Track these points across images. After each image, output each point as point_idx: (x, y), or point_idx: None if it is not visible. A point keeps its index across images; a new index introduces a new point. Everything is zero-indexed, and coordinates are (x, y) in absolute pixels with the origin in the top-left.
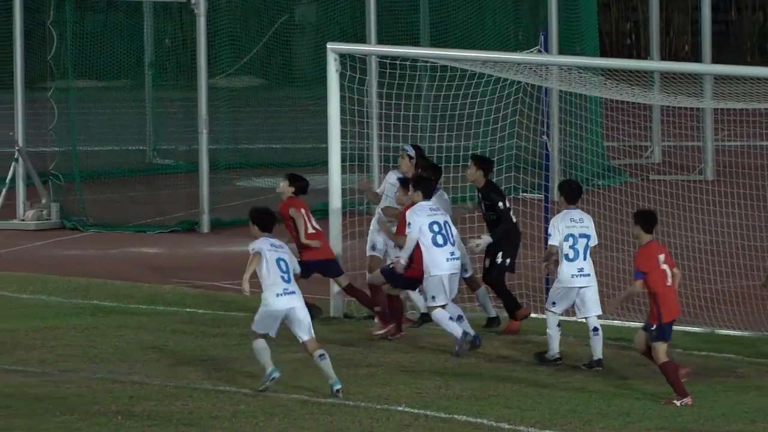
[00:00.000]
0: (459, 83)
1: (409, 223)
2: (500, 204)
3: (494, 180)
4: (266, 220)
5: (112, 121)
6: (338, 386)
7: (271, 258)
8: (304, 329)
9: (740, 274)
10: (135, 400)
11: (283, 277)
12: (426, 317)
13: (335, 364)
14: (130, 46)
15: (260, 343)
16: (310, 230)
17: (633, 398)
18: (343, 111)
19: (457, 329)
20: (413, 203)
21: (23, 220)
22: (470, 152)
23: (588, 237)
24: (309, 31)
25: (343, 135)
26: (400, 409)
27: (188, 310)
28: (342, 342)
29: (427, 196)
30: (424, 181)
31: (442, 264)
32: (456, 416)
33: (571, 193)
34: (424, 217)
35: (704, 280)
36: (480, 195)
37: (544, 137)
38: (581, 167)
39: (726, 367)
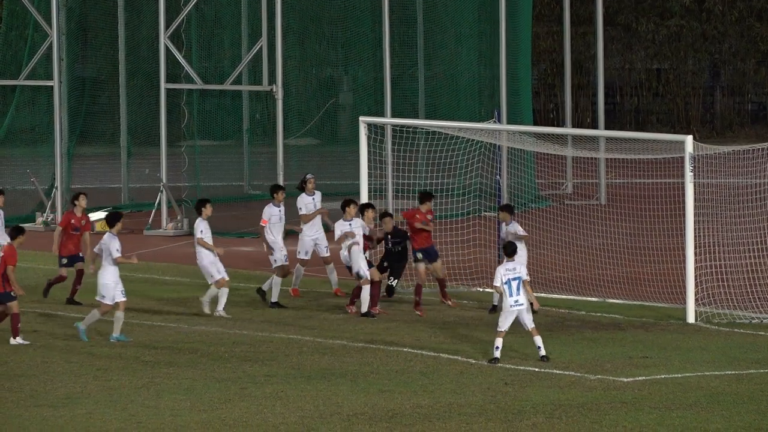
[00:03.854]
0: (444, 142)
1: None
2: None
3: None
4: None
5: (223, 167)
6: None
7: None
8: None
9: (624, 263)
10: (235, 345)
11: None
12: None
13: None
14: (234, 118)
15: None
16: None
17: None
18: (369, 160)
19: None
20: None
21: (165, 230)
22: (451, 186)
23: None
24: (348, 109)
25: (370, 175)
26: (405, 350)
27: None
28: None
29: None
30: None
31: None
32: (441, 354)
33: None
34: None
35: (599, 267)
36: (390, 235)
37: (497, 176)
38: (521, 196)
39: (612, 323)
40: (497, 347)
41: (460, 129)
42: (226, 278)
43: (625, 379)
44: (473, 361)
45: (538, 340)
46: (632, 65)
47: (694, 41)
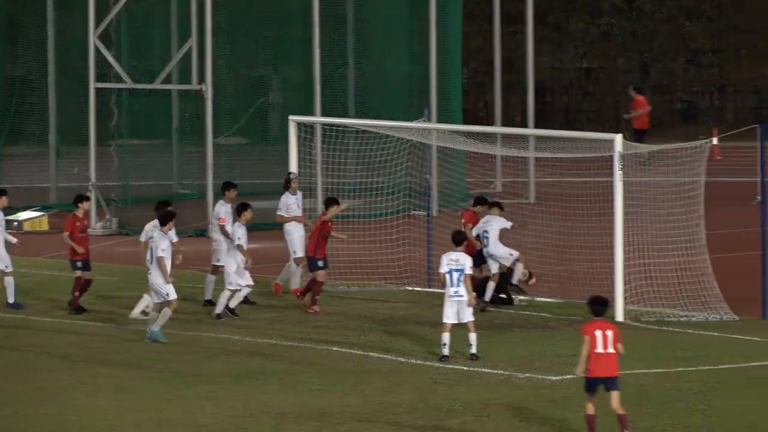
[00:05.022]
0: (374, 140)
1: None
2: None
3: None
4: None
5: (152, 166)
6: None
7: None
8: None
9: (553, 262)
10: (165, 344)
11: None
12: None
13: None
14: (164, 117)
15: None
16: None
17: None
18: (299, 159)
19: None
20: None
21: (95, 229)
22: (381, 185)
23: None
24: (277, 108)
25: (300, 174)
26: (334, 349)
27: (199, 286)
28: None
29: None
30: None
31: None
32: (371, 353)
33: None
34: None
35: (529, 265)
36: None
37: (427, 175)
38: (451, 195)
39: (542, 322)
40: (444, 344)
41: (390, 128)
42: (251, 283)
43: (554, 378)
44: (403, 360)
45: (473, 337)
46: (562, 64)
47: (624, 40)
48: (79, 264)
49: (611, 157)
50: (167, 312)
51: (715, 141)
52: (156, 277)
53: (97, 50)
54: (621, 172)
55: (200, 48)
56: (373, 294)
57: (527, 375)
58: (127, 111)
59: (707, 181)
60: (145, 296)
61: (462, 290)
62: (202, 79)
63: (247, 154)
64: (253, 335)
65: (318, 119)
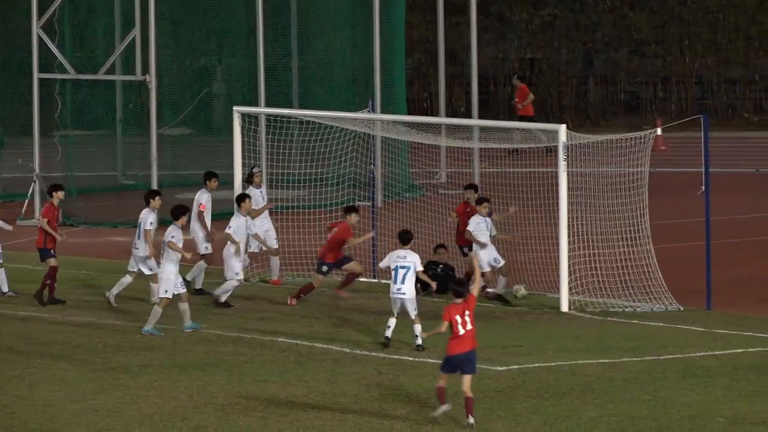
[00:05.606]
0: (318, 131)
1: None
2: None
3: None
4: None
5: (96, 156)
6: None
7: None
8: None
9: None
10: (109, 335)
11: None
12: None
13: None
14: (108, 108)
15: None
16: None
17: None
18: (243, 150)
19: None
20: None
21: (38, 219)
22: (326, 176)
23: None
24: (221, 98)
25: (244, 165)
26: (280, 339)
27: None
28: (247, 297)
29: None
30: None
31: None
32: (316, 344)
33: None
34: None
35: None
36: None
37: (372, 166)
38: (395, 185)
39: (487, 312)
40: (388, 326)
41: (334, 118)
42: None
43: (499, 368)
44: (347, 351)
45: (418, 328)
46: (506, 55)
47: (567, 31)
48: (53, 252)
49: (555, 148)
50: (158, 310)
51: (659, 132)
52: (166, 267)
53: (41, 41)
54: (565, 163)
55: (144, 38)
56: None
57: None
58: (71, 102)
59: (651, 171)
60: (127, 276)
61: (405, 287)
62: (145, 70)
63: (191, 144)
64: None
65: (262, 110)
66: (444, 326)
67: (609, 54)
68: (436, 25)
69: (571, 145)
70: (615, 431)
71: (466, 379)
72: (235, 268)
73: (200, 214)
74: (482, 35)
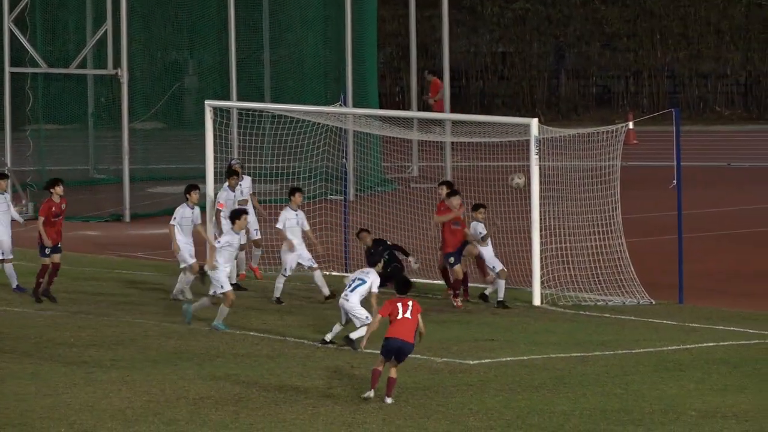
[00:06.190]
0: (290, 125)
1: None
2: None
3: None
4: None
5: (68, 150)
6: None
7: None
8: None
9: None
10: (81, 329)
11: None
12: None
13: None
14: (80, 102)
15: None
16: None
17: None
18: (215, 144)
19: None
20: None
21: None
22: (298, 170)
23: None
24: (193, 92)
25: (216, 159)
26: (252, 333)
27: (115, 270)
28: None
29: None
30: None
31: None
32: (288, 338)
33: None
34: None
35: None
36: None
37: (344, 160)
38: (367, 179)
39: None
40: (331, 330)
41: (306, 112)
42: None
43: (472, 362)
44: (319, 345)
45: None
46: (477, 48)
47: (539, 24)
48: (47, 250)
49: (527, 142)
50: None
51: (630, 125)
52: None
53: (12, 34)
54: (537, 156)
55: (115, 32)
56: (290, 279)
57: (444, 359)
58: (43, 96)
59: (623, 165)
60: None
61: (351, 297)
62: (117, 64)
63: (163, 138)
64: (170, 320)
65: (234, 104)
66: (377, 320)
67: (581, 48)
68: (408, 19)
69: (543, 139)
70: (587, 425)
71: (396, 367)
72: (290, 262)
73: (218, 213)
74: (454, 29)
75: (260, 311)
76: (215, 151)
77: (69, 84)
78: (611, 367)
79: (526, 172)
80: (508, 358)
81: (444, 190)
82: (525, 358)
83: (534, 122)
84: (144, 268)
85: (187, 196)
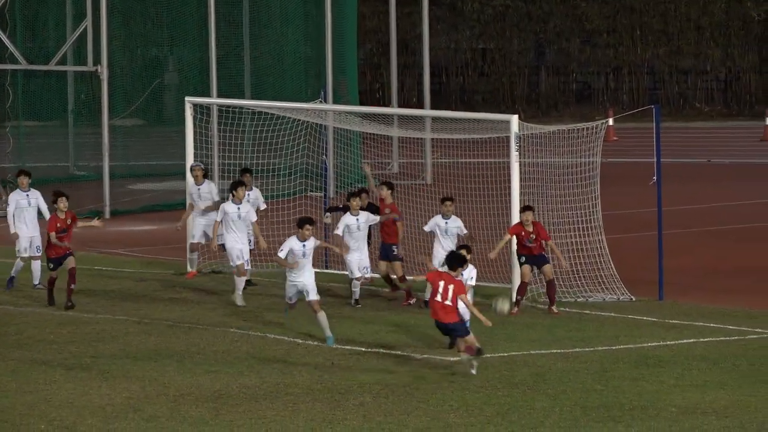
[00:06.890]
0: (270, 122)
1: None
2: None
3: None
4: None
5: (48, 147)
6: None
7: None
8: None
9: None
10: (61, 325)
11: None
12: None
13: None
14: (59, 98)
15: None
16: None
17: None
18: (195, 140)
19: None
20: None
21: None
22: (278, 166)
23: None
24: (173, 89)
25: (196, 156)
26: (232, 330)
27: (96, 267)
28: (199, 289)
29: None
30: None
31: None
32: (268, 335)
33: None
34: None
35: (426, 247)
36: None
37: (324, 156)
38: (347, 176)
39: None
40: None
41: (286, 109)
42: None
43: (452, 358)
44: (300, 341)
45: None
46: (458, 45)
47: (519, 21)
48: (51, 266)
49: (507, 138)
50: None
51: (610, 122)
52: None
53: None
54: (517, 153)
55: (95, 29)
56: (270, 275)
57: (425, 356)
58: (23, 92)
59: (603, 162)
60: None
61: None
62: (97, 61)
63: (143, 135)
64: (150, 317)
65: (214, 100)
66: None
67: (561, 44)
68: (388, 15)
69: (523, 135)
70: (567, 421)
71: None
72: (351, 266)
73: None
74: (434, 25)
75: (240, 308)
76: (195, 148)
77: (49, 81)
78: (591, 363)
79: (510, 295)
80: (488, 355)
81: (385, 190)
82: (505, 354)
83: (514, 119)
84: (124, 265)
85: (233, 193)
